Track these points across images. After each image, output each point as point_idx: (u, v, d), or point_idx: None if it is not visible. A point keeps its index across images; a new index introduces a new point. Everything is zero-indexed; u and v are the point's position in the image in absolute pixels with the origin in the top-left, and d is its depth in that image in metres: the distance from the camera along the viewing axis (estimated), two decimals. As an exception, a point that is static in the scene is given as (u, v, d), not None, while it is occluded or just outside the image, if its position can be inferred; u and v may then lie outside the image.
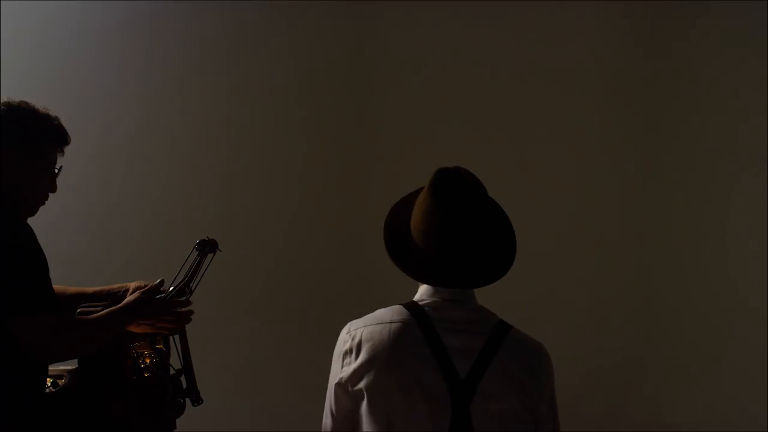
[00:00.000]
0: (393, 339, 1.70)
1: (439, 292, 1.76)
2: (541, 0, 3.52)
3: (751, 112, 3.47)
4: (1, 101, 2.08)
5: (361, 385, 1.69)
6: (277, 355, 3.56)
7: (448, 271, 1.73)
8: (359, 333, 1.73)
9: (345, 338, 1.76)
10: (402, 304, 1.76)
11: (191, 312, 2.24)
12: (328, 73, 3.60)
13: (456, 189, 1.71)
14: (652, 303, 3.54)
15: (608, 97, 3.57)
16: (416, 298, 1.79)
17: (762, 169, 3.45)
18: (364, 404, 1.69)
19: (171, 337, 2.30)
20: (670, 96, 3.54)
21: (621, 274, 3.54)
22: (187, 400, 2.32)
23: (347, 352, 1.73)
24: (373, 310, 1.80)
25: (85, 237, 3.52)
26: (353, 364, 1.71)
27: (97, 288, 2.32)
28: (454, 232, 1.70)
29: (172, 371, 2.30)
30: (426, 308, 1.74)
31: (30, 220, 2.11)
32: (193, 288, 2.23)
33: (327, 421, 1.77)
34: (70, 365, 2.17)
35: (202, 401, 2.32)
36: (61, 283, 2.31)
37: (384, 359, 1.69)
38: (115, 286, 2.30)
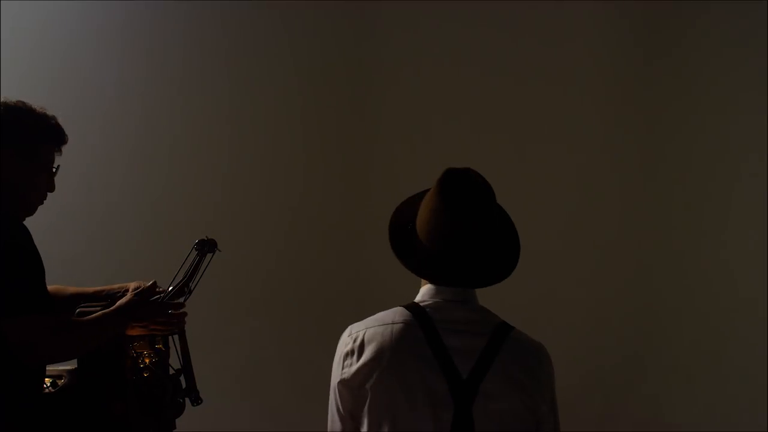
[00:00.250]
0: (395, 340, 1.70)
1: (441, 292, 1.76)
2: (541, 0, 3.52)
3: (751, 112, 3.47)
4: (-1, 101, 2.09)
5: (364, 385, 1.69)
6: (277, 355, 3.56)
7: (451, 270, 1.73)
8: (361, 335, 1.73)
9: (346, 340, 1.75)
10: (403, 306, 1.76)
11: (184, 314, 2.24)
12: (328, 73, 3.60)
13: (465, 189, 1.71)
14: (652, 303, 3.54)
15: (608, 97, 3.57)
16: (417, 299, 1.79)
17: (762, 169, 3.45)
18: (366, 405, 1.69)
19: (170, 337, 2.30)
20: (669, 96, 3.54)
21: (621, 274, 3.55)
22: (187, 400, 2.32)
23: (348, 354, 1.72)
24: (373, 311, 1.80)
25: (85, 237, 3.52)
26: (355, 366, 1.70)
27: (97, 288, 2.32)
28: (460, 231, 1.70)
29: (171, 371, 2.30)
30: (427, 309, 1.74)
31: (30, 220, 2.11)
32: (192, 288, 2.23)
33: (334, 420, 1.76)
34: (70, 365, 2.17)
35: (202, 401, 2.33)
36: (61, 283, 2.31)
37: (386, 360, 1.69)
38: (115, 286, 2.30)
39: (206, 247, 2.24)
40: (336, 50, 3.60)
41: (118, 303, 2.13)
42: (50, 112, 2.15)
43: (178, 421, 2.33)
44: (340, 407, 1.73)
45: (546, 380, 1.75)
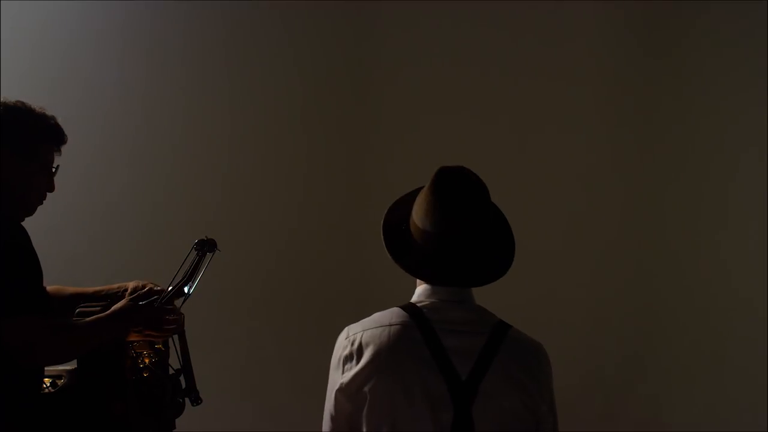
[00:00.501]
0: (393, 341, 1.69)
1: (437, 292, 1.75)
2: (541, 0, 3.52)
3: (751, 112, 3.47)
4: (-2, 101, 2.08)
5: (363, 388, 1.68)
6: (277, 355, 3.56)
7: (447, 270, 1.72)
8: (358, 337, 1.72)
9: (344, 343, 1.74)
10: (399, 306, 1.75)
11: (179, 319, 2.23)
12: (328, 73, 3.60)
13: (458, 187, 1.70)
14: (652, 303, 3.54)
15: (608, 97, 3.57)
16: (413, 299, 1.77)
17: (762, 169, 3.45)
18: (366, 407, 1.68)
19: (170, 337, 2.29)
20: (670, 96, 3.53)
21: (621, 274, 3.54)
22: (187, 400, 2.32)
23: (347, 358, 1.71)
24: (373, 311, 1.79)
25: (85, 237, 3.52)
26: (354, 369, 1.69)
27: (97, 288, 2.32)
28: (455, 230, 1.69)
29: (171, 371, 2.30)
30: (424, 310, 1.73)
31: (30, 220, 2.10)
32: (190, 292, 2.22)
33: (326, 425, 1.75)
34: (70, 365, 2.16)
35: (202, 401, 2.32)
36: (61, 283, 2.31)
37: (385, 362, 1.68)
38: (115, 286, 2.30)
39: (206, 247, 2.23)
40: (336, 50, 3.60)
41: (113, 308, 2.11)
42: (50, 112, 2.15)
43: (178, 421, 2.33)
44: (334, 414, 1.72)
45: (545, 380, 1.75)
